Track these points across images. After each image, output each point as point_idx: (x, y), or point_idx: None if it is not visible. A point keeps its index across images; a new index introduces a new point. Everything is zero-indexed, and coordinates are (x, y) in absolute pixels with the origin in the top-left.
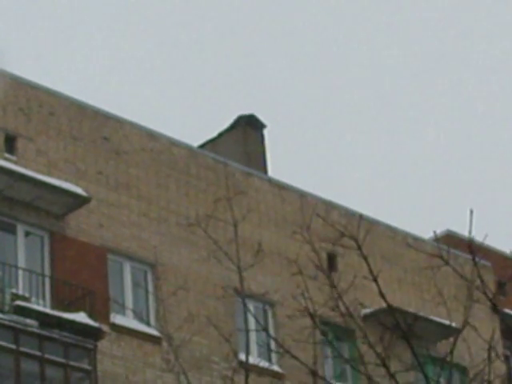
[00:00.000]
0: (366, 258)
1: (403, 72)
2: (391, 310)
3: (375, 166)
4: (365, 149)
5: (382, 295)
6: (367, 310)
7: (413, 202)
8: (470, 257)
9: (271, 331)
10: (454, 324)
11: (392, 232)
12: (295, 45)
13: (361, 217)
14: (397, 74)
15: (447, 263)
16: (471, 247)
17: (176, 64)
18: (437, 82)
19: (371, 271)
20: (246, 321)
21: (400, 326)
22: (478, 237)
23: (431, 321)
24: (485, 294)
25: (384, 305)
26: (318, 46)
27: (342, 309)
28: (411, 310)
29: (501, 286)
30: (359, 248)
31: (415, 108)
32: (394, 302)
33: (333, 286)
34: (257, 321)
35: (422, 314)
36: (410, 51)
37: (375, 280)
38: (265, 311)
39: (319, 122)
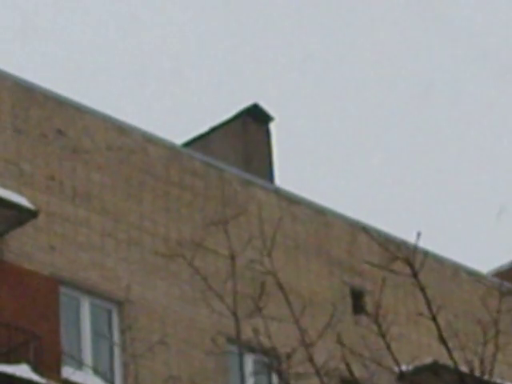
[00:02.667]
0: (423, 289)
1: (426, 59)
2: (438, 367)
3: (415, 177)
4: (403, 154)
5: (443, 340)
6: (404, 368)
7: (467, 227)
8: None
9: None
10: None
11: (439, 263)
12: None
13: (405, 244)
14: (421, 60)
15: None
16: None
17: (156, 39)
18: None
19: (430, 307)
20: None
21: None
22: None
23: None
24: None
25: (428, 360)
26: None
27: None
28: (466, 369)
29: None
30: (415, 275)
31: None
32: (440, 357)
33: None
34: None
35: (481, 375)
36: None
37: (434, 319)
38: (268, 367)
39: (348, 113)
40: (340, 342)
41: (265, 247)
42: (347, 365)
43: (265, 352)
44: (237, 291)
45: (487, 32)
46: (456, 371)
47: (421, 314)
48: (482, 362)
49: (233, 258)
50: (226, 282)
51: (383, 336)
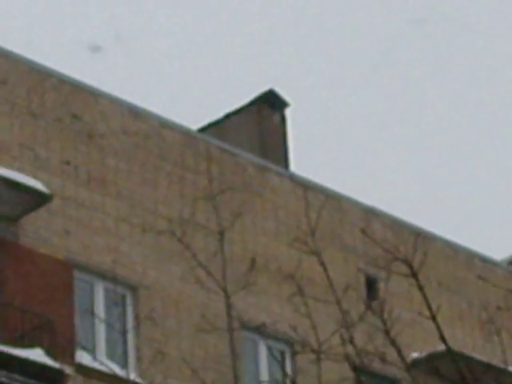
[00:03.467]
0: (421, 288)
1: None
2: (451, 354)
3: (431, 164)
4: (418, 141)
5: (444, 339)
6: (417, 355)
7: (482, 212)
8: None
9: (287, 381)
10: None
11: (453, 250)
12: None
13: (418, 234)
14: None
15: None
16: None
17: (173, 24)
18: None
19: (429, 307)
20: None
21: (464, 377)
22: None
23: (507, 372)
24: None
25: (440, 347)
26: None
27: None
28: (477, 356)
29: None
30: (415, 276)
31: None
32: (454, 344)
33: (385, 327)
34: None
35: (492, 362)
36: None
37: (434, 318)
38: (281, 353)
39: (363, 99)
40: (369, 332)
41: (279, 233)
42: (380, 356)
43: (278, 338)
44: (226, 269)
45: None
46: (469, 358)
47: (420, 314)
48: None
49: (221, 233)
50: (215, 255)
51: (387, 332)
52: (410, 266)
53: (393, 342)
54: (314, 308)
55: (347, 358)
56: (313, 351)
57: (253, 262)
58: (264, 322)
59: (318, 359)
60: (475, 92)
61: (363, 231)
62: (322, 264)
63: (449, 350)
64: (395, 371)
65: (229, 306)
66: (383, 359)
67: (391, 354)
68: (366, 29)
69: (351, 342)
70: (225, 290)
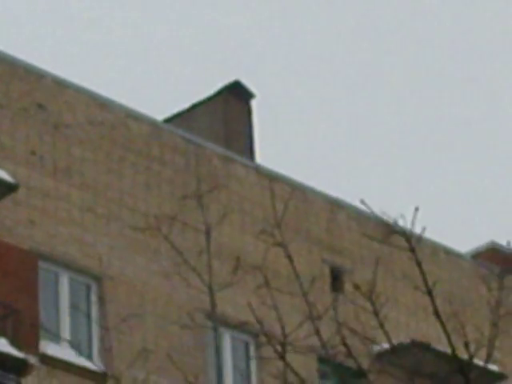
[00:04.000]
0: (420, 264)
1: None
2: (416, 346)
3: (397, 157)
4: (384, 133)
5: (438, 314)
6: (382, 346)
7: (447, 205)
8: None
9: (253, 371)
10: (502, 370)
11: (418, 243)
12: None
13: (383, 225)
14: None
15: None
16: None
17: (139, 16)
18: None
19: (426, 282)
20: (219, 356)
21: (427, 369)
22: None
23: (471, 364)
24: None
25: (406, 340)
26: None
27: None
28: (442, 348)
29: None
30: (413, 250)
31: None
32: (418, 336)
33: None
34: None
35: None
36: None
37: (430, 293)
38: (246, 344)
39: (329, 91)
40: (338, 321)
41: (244, 224)
42: (345, 344)
43: (242, 328)
44: (211, 266)
45: None
46: (434, 350)
47: (416, 288)
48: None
49: (207, 232)
50: (201, 255)
51: (377, 314)
52: (409, 241)
53: (381, 324)
54: (281, 300)
55: (313, 349)
56: (278, 343)
57: (237, 260)
58: (245, 322)
59: (283, 351)
60: (430, 81)
61: (362, 202)
62: (289, 256)
63: (413, 342)
64: (361, 363)
65: (213, 304)
66: (349, 351)
67: (357, 346)
68: (334, 19)
69: (317, 333)
70: (210, 288)
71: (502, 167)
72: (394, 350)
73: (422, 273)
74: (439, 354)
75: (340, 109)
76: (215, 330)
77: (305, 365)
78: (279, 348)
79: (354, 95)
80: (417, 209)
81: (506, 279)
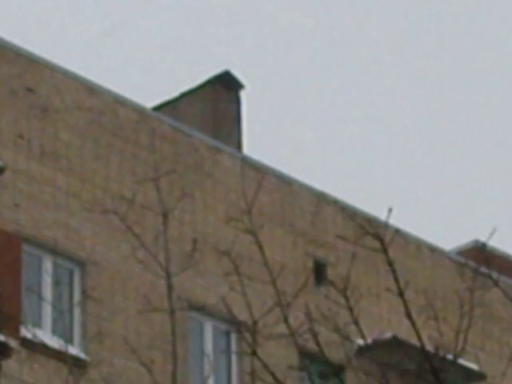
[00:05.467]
0: (391, 264)
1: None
2: (398, 342)
3: (383, 152)
4: (371, 128)
5: (409, 316)
6: (363, 342)
7: (432, 202)
8: (505, 279)
9: (233, 361)
10: (482, 369)
11: (402, 239)
12: None
13: (368, 221)
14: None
15: (496, 284)
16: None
17: (131, 3)
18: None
19: (398, 283)
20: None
21: (408, 366)
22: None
23: (451, 362)
24: None
25: (387, 335)
26: None
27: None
28: (428, 346)
29: None
30: (385, 251)
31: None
32: (400, 332)
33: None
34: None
35: (439, 352)
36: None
37: (401, 294)
38: (227, 334)
39: (318, 83)
40: (307, 314)
41: (229, 214)
42: (314, 335)
43: (224, 319)
44: (169, 249)
45: None
46: (415, 347)
47: (388, 290)
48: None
49: (165, 215)
50: (157, 239)
51: (351, 309)
52: (381, 241)
53: (356, 321)
54: (262, 289)
55: (288, 337)
56: (250, 332)
57: (194, 242)
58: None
59: (254, 340)
60: (415, 81)
61: (336, 202)
62: (258, 242)
63: (394, 338)
64: (341, 357)
65: (170, 287)
66: (317, 342)
67: (338, 339)
68: (324, 10)
69: (285, 321)
70: (167, 272)
71: (488, 166)
72: (375, 345)
73: (394, 273)
74: (420, 351)
75: (329, 102)
76: (172, 313)
77: (285, 358)
78: (249, 338)
79: (344, 88)
80: (390, 210)
81: (488, 278)
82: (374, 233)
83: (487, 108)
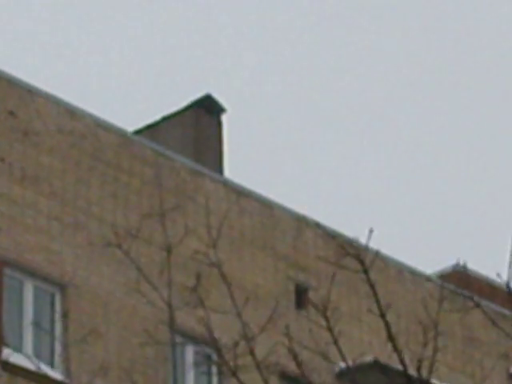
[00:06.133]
0: (373, 286)
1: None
2: (379, 366)
3: (365, 176)
4: (352, 151)
5: (391, 337)
6: (344, 365)
7: (414, 226)
8: (487, 303)
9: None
10: None
11: (383, 262)
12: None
13: (349, 244)
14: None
15: (477, 305)
16: None
17: (110, 26)
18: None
19: (379, 305)
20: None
21: None
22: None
23: None
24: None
25: (368, 359)
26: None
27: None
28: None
29: None
30: (366, 272)
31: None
32: (382, 356)
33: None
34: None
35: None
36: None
37: (383, 316)
38: (208, 358)
39: (299, 108)
40: (287, 334)
41: (210, 238)
42: (295, 357)
43: (205, 343)
44: (171, 282)
45: None
46: (396, 370)
47: (370, 311)
48: (420, 361)
49: (169, 250)
50: (163, 272)
51: (330, 330)
52: (362, 262)
53: (336, 341)
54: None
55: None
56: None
57: (198, 277)
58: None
59: (235, 370)
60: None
61: (318, 225)
62: (223, 276)
63: (376, 362)
64: (323, 379)
65: (172, 321)
66: (299, 366)
67: (319, 362)
68: (306, 32)
69: (251, 353)
70: (169, 305)
71: (468, 190)
72: (356, 369)
73: (375, 295)
74: (401, 374)
75: (310, 126)
76: (173, 346)
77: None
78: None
79: (325, 112)
80: (371, 230)
81: (468, 301)
82: (354, 253)
83: (465, 133)
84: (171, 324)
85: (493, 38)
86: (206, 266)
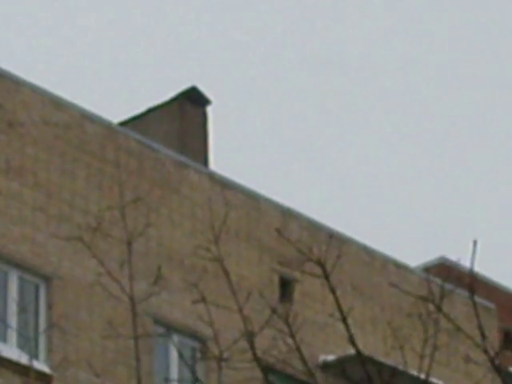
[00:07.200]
0: (334, 292)
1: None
2: (361, 358)
3: (350, 168)
4: (337, 144)
5: (353, 342)
6: (328, 357)
7: (399, 218)
8: (469, 295)
9: (200, 377)
10: None
11: (368, 255)
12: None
13: (331, 235)
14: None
15: (439, 309)
16: (472, 283)
17: (97, 17)
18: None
19: (340, 309)
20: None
21: (372, 381)
22: (481, 270)
23: (413, 378)
24: (485, 351)
25: (352, 351)
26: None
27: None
28: (387, 361)
29: (507, 335)
30: (327, 277)
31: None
32: (365, 348)
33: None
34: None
35: (401, 367)
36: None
37: (344, 320)
38: (192, 350)
39: (284, 100)
40: (272, 327)
41: (195, 230)
42: (279, 351)
43: (190, 335)
44: (132, 275)
45: None
46: (380, 363)
47: (331, 316)
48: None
49: (129, 243)
50: (123, 265)
51: (293, 336)
52: (323, 268)
53: (298, 348)
54: (227, 305)
55: (255, 360)
56: (214, 357)
57: (159, 269)
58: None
59: (219, 366)
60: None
61: (278, 230)
62: (225, 271)
63: (358, 354)
64: (305, 373)
65: (134, 313)
66: (289, 363)
67: (301, 356)
68: (292, 27)
69: (252, 348)
70: (131, 299)
71: (454, 184)
72: (340, 361)
73: (336, 299)
74: (385, 367)
75: (296, 118)
76: (136, 339)
77: (252, 373)
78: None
79: (312, 104)
80: (331, 236)
81: (453, 294)
82: (315, 259)
83: (452, 130)
84: (133, 316)
85: (493, 38)
86: (195, 259)
